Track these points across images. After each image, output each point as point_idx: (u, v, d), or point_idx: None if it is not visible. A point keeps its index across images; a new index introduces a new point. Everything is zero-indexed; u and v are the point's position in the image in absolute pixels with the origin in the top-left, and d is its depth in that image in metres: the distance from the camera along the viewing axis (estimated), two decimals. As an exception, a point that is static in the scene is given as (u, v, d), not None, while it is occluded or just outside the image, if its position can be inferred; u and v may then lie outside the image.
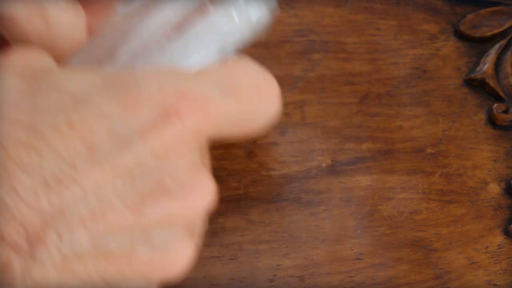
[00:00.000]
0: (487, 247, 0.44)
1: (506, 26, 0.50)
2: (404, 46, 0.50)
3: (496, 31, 0.50)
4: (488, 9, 0.51)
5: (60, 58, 0.31)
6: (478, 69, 0.49)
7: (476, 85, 0.49)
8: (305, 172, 0.45)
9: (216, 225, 0.44)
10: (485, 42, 0.50)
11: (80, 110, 0.25)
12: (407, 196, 0.45)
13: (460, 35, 0.50)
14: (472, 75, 0.49)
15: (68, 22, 0.30)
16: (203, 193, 0.28)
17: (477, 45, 0.50)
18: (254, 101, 0.30)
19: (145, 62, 0.33)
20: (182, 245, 0.28)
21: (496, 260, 0.44)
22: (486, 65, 0.49)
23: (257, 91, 0.30)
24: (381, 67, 0.49)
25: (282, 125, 0.47)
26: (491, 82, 0.48)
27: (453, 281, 0.43)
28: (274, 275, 0.43)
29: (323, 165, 0.46)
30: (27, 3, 0.27)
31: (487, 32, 0.50)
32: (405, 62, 0.49)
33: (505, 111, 0.48)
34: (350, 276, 0.43)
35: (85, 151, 0.24)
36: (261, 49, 0.49)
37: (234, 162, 0.45)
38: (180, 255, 0.28)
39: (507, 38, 0.50)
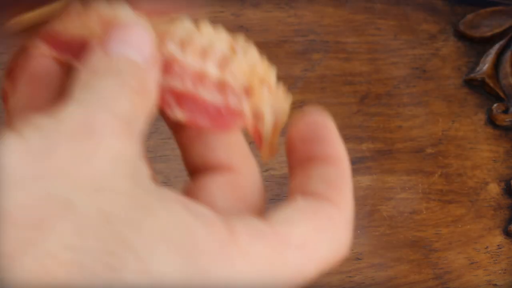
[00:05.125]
0: (487, 247, 0.44)
1: (506, 26, 0.50)
2: (404, 46, 0.50)
3: (496, 31, 0.50)
4: (488, 9, 0.51)
5: None
6: (478, 69, 0.49)
7: (476, 85, 0.49)
8: (305, 172, 0.45)
9: (216, 225, 0.44)
10: (485, 42, 0.50)
11: None
12: (407, 196, 0.45)
13: (460, 35, 0.50)
14: (472, 75, 0.49)
15: None
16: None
17: (477, 45, 0.50)
18: None
19: None
20: None
21: (496, 260, 0.44)
22: (486, 65, 0.49)
23: None
24: (381, 67, 0.49)
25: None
26: (491, 82, 0.48)
27: (453, 281, 0.43)
28: (274, 275, 0.43)
29: (323, 165, 0.46)
30: None
31: (487, 32, 0.50)
32: (405, 62, 0.49)
33: (505, 111, 0.48)
34: (350, 276, 0.43)
35: None
36: (261, 49, 0.49)
37: (234, 162, 0.45)
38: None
39: (507, 38, 0.50)
